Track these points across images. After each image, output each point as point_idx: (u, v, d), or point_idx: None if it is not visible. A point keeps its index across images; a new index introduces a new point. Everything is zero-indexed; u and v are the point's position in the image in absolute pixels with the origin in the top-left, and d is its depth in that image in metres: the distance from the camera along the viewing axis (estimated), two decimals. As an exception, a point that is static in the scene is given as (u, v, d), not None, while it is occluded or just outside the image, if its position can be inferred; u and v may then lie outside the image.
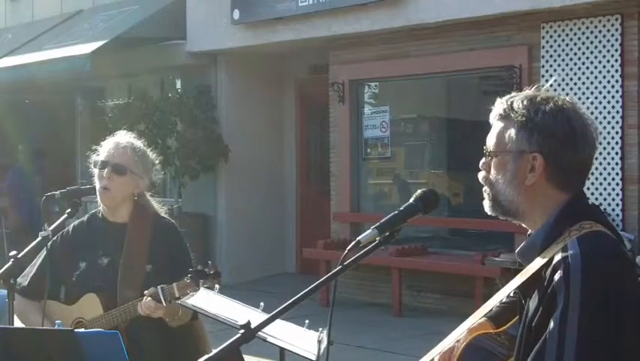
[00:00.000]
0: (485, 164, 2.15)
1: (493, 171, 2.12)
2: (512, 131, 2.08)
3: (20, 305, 3.52)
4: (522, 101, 2.09)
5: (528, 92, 2.13)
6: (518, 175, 2.07)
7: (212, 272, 3.26)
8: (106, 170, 3.54)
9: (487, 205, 2.15)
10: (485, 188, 2.15)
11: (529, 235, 2.12)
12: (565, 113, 2.06)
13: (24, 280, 3.61)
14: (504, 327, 2.16)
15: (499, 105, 2.14)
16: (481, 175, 2.16)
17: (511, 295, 2.18)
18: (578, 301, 1.87)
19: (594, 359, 1.86)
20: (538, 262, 2.00)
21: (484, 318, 2.21)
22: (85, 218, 3.74)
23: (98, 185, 3.57)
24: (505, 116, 2.11)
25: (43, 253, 3.60)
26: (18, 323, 3.46)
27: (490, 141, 2.14)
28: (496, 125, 2.14)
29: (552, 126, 2.04)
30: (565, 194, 2.07)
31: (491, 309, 2.19)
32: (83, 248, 3.61)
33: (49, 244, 3.61)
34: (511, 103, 2.10)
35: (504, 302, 2.23)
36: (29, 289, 3.59)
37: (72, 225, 3.73)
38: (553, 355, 1.87)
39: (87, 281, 3.53)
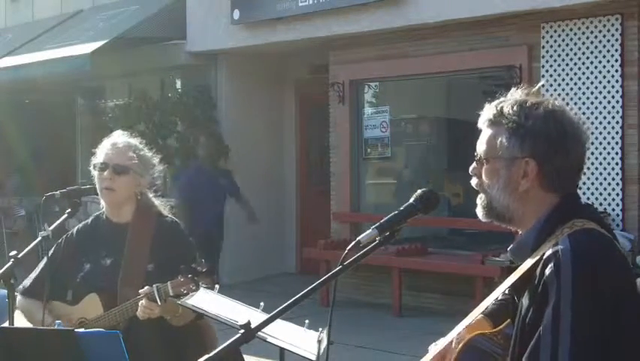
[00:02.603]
0: (476, 170, 2.14)
1: (484, 177, 2.12)
2: (503, 138, 2.07)
3: (24, 305, 3.61)
4: (512, 107, 2.08)
5: (517, 96, 2.12)
6: (511, 182, 2.07)
7: (204, 270, 3.26)
8: (106, 171, 3.54)
9: (480, 212, 2.14)
10: (480, 195, 2.14)
11: (521, 233, 2.12)
12: (555, 117, 2.06)
13: (27, 281, 3.67)
14: (500, 326, 2.17)
15: (489, 110, 2.13)
16: (473, 182, 2.15)
17: (506, 293, 2.18)
18: (569, 294, 1.88)
19: (588, 352, 1.86)
20: (531, 260, 2.00)
21: (481, 316, 2.21)
22: (89, 220, 3.75)
23: (99, 187, 3.56)
24: (494, 122, 2.11)
25: (49, 254, 3.64)
26: (24, 323, 3.50)
27: (481, 147, 2.13)
28: (486, 131, 2.13)
29: (544, 131, 2.04)
30: (556, 196, 2.07)
31: (487, 307, 2.20)
32: (87, 250, 3.63)
33: (54, 247, 3.68)
34: (501, 109, 2.09)
35: (500, 300, 2.23)
36: (31, 289, 3.63)
37: (76, 228, 3.74)
38: (548, 349, 1.87)
39: (90, 282, 3.54)
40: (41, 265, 3.66)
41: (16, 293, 3.51)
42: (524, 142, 2.04)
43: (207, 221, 9.67)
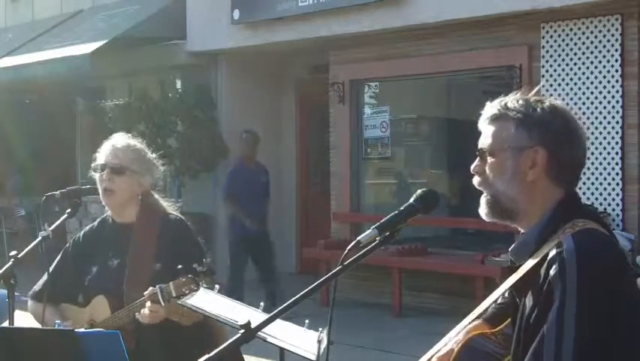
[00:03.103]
0: (478, 167, 2.13)
1: (489, 172, 2.11)
2: (511, 129, 2.08)
3: (34, 308, 3.65)
4: (517, 101, 2.11)
5: (518, 95, 2.14)
6: (519, 172, 2.07)
7: (204, 270, 3.24)
8: (105, 172, 3.53)
9: (484, 211, 2.13)
10: (484, 194, 2.14)
11: (522, 233, 2.12)
12: (561, 111, 2.10)
13: (37, 286, 3.70)
14: (500, 327, 2.17)
15: (491, 108, 2.13)
16: (475, 180, 2.15)
17: (506, 295, 2.18)
18: (574, 295, 1.88)
19: (592, 353, 1.87)
20: (533, 260, 2.00)
21: (479, 320, 2.21)
22: (95, 223, 3.75)
23: (100, 188, 3.56)
24: (499, 117, 2.11)
25: (57, 259, 3.68)
26: (34, 325, 3.53)
27: (486, 141, 2.12)
28: (489, 127, 2.13)
29: (551, 121, 2.06)
30: (560, 191, 2.07)
31: (486, 310, 2.20)
32: (94, 252, 3.63)
33: (61, 252, 3.73)
34: (505, 104, 2.11)
35: (499, 303, 2.23)
36: (40, 293, 3.64)
37: (83, 231, 3.75)
38: (551, 349, 1.88)
39: (98, 284, 3.55)
40: (50, 269, 3.67)
41: (26, 298, 3.55)
42: (532, 131, 2.06)
43: (260, 218, 9.87)
